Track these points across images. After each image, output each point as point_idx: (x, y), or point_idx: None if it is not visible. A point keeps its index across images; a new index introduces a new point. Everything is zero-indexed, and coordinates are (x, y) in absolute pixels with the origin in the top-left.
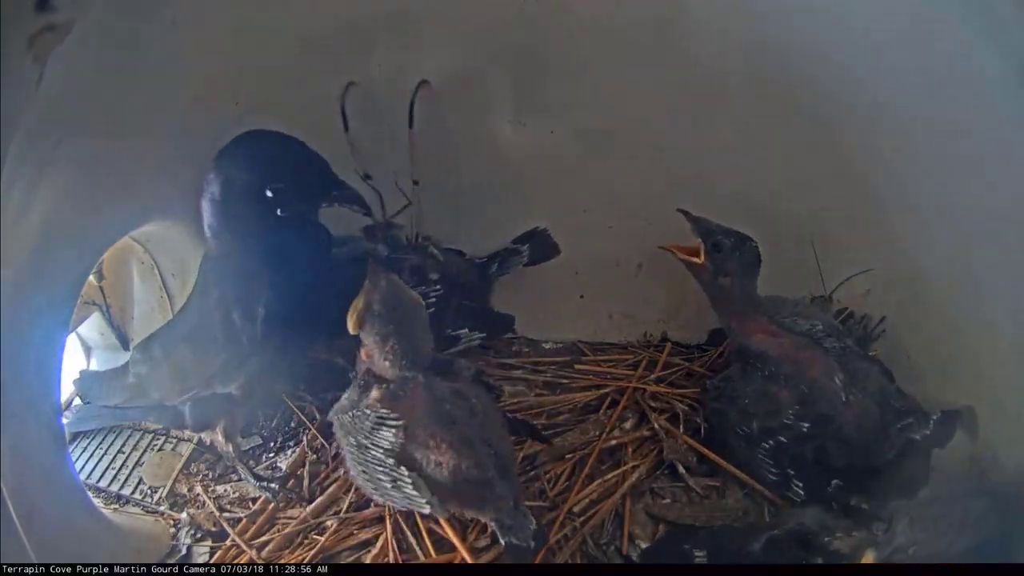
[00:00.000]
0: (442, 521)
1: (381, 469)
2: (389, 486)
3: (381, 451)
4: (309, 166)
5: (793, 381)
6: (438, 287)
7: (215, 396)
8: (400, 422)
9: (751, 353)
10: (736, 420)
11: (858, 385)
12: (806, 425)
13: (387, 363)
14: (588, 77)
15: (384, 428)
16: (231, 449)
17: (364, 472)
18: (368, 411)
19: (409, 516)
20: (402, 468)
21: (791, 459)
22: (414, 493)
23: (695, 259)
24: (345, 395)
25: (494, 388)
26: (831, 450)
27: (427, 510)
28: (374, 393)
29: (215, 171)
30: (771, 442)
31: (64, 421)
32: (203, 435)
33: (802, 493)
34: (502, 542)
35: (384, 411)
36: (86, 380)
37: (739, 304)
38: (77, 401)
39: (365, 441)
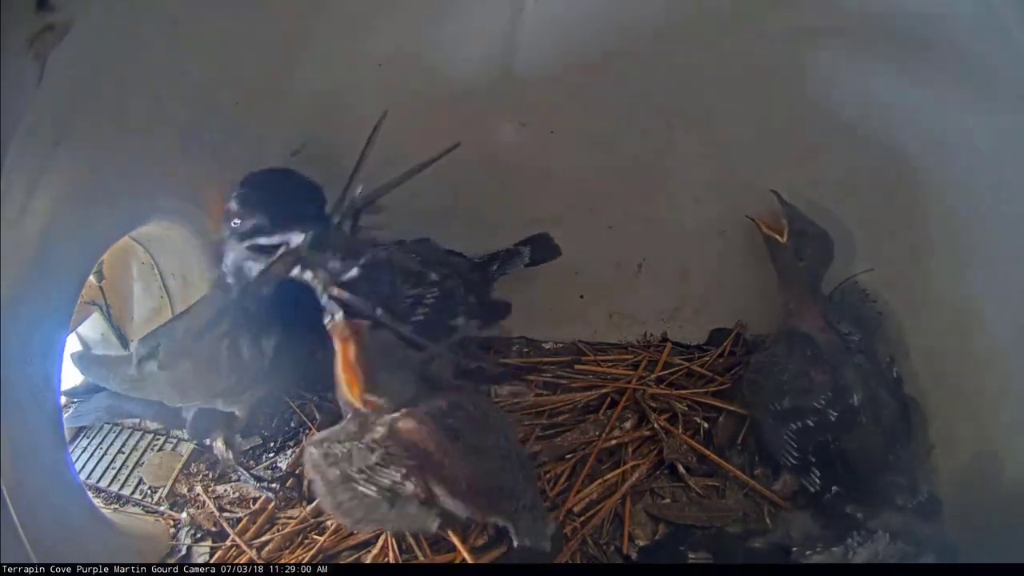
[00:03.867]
0: None
1: (375, 493)
2: (387, 508)
3: (376, 488)
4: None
5: (830, 368)
6: (435, 289)
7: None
8: (412, 462)
9: (799, 334)
10: (771, 395)
11: (873, 411)
12: (835, 414)
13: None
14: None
15: (392, 467)
16: (231, 456)
17: (352, 498)
18: (375, 447)
19: None
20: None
21: (815, 447)
22: (417, 512)
23: (779, 237)
24: (339, 425)
25: (478, 377)
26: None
27: (435, 527)
28: (380, 430)
29: (238, 210)
30: (799, 423)
31: (64, 415)
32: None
33: (818, 483)
34: (515, 543)
35: (395, 450)
36: (85, 360)
37: (803, 288)
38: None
39: (359, 476)
